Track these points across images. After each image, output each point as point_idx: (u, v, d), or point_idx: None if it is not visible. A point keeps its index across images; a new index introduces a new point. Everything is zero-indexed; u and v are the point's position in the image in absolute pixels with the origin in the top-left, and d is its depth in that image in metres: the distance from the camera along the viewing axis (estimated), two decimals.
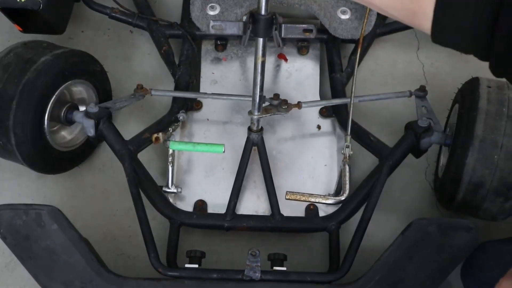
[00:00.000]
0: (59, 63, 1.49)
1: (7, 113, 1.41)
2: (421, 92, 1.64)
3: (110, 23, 1.90)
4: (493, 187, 1.38)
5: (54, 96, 1.50)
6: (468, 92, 1.50)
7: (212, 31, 1.29)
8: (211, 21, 1.29)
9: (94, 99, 1.67)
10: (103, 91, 1.70)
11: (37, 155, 1.50)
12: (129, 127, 1.75)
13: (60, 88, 1.51)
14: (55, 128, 1.62)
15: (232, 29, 1.29)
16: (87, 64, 1.61)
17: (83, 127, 1.55)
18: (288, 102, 1.56)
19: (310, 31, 1.29)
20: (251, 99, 1.45)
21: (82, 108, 1.62)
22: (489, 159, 1.36)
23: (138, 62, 1.93)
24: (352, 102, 1.54)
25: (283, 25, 1.29)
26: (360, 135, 1.64)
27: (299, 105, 1.60)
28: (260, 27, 1.26)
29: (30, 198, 1.66)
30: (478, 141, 1.38)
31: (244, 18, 1.29)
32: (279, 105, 1.55)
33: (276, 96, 1.59)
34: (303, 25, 1.30)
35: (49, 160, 1.56)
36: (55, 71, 1.48)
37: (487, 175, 1.37)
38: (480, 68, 1.91)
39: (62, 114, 1.56)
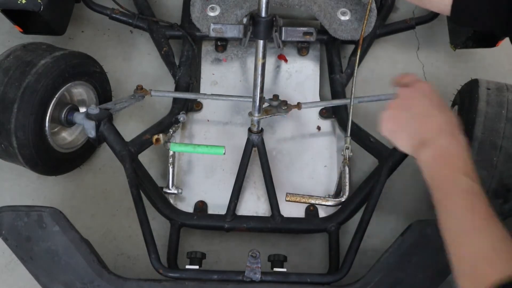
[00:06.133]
0: (59, 65, 1.49)
1: (8, 117, 1.41)
2: None
3: (110, 23, 1.90)
4: (492, 189, 1.38)
5: (55, 99, 1.50)
6: (467, 94, 1.50)
7: (213, 34, 1.29)
8: (211, 24, 1.29)
9: (94, 100, 1.67)
10: (103, 92, 1.70)
11: (39, 158, 1.50)
12: (129, 128, 1.75)
13: (61, 90, 1.51)
14: (55, 129, 1.62)
15: (233, 32, 1.29)
16: (86, 65, 1.61)
17: (83, 128, 1.54)
18: (288, 103, 1.57)
19: (310, 34, 1.29)
20: (251, 100, 1.45)
21: (82, 110, 1.62)
22: (488, 161, 1.37)
23: (138, 63, 1.93)
24: (352, 103, 1.54)
25: (283, 28, 1.29)
26: (360, 136, 1.64)
27: (299, 106, 1.60)
28: (260, 29, 1.26)
29: (30, 199, 1.66)
30: (477, 143, 1.38)
31: (244, 20, 1.29)
32: (279, 106, 1.56)
33: (276, 97, 1.59)
34: (303, 28, 1.30)
35: (50, 162, 1.56)
36: (55, 74, 1.48)
37: (486, 177, 1.37)
38: (480, 69, 1.95)
39: (63, 116, 1.57)
